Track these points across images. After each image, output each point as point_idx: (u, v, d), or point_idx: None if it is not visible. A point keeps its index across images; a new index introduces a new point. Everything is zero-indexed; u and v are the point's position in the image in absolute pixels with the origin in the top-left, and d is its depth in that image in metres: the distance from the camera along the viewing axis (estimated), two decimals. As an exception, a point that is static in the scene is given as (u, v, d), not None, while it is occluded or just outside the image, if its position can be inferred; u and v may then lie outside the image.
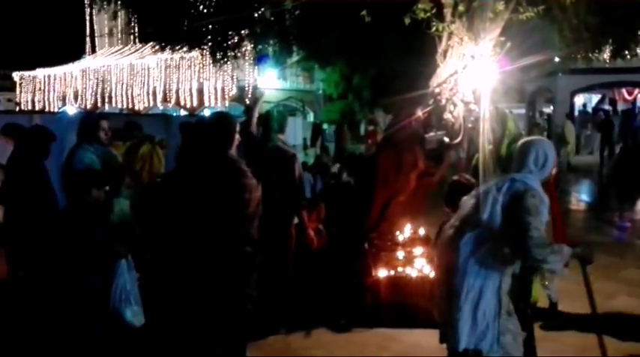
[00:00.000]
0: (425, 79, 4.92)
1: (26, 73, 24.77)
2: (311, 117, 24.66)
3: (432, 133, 4.67)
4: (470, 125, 4.42)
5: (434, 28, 4.53)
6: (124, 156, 5.53)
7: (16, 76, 24.85)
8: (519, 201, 2.40)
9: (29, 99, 24.60)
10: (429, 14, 4.42)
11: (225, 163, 3.08)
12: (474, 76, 4.45)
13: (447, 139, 4.53)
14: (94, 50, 25.97)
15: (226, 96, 20.53)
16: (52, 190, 5.93)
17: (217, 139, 3.09)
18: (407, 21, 4.47)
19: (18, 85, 24.93)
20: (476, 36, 4.46)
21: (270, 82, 22.41)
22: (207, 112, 19.76)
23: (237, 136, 3.18)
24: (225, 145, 3.11)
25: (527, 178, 2.48)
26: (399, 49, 5.88)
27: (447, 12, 4.55)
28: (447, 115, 4.55)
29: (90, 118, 4.32)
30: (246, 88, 20.77)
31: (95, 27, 25.50)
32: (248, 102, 20.90)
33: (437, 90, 4.64)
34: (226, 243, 2.96)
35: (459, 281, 2.47)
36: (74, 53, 25.20)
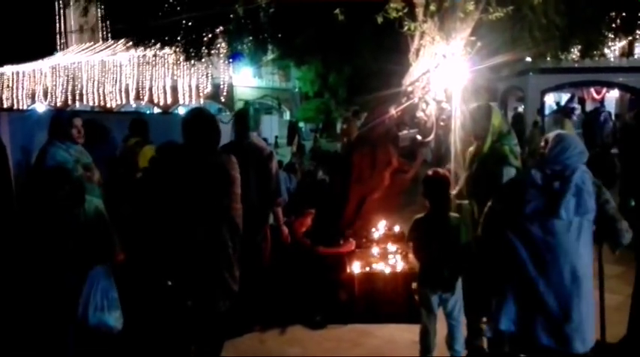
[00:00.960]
0: (398, 77, 4.97)
1: (-7, 70, 24.07)
2: (287, 115, 24.62)
3: (405, 131, 4.72)
4: (442, 123, 4.49)
5: (406, 28, 4.58)
6: (129, 151, 5.52)
7: (-18, 72, 24.11)
8: (602, 190, 2.62)
9: (-4, 96, 23.91)
10: (400, 13, 4.46)
11: (216, 158, 3.05)
12: (445, 75, 4.52)
13: (419, 137, 4.59)
14: (64, 47, 25.37)
15: (201, 94, 20.33)
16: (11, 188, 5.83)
17: (208, 135, 3.04)
18: (379, 20, 4.51)
19: (-16, 82, 24.19)
20: (447, 35, 4.52)
21: (246, 80, 22.28)
22: (181, 110, 19.54)
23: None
24: (216, 142, 3.09)
25: (587, 169, 2.65)
26: (372, 47, 5.93)
27: (419, 11, 4.61)
28: (419, 114, 4.61)
29: (62, 116, 4.20)
30: (221, 86, 20.61)
31: (66, 23, 24.91)
32: (223, 100, 20.78)
33: (409, 88, 4.70)
34: (213, 237, 2.91)
35: (582, 284, 2.52)
36: (44, 50, 24.56)
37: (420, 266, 3.20)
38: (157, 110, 20.11)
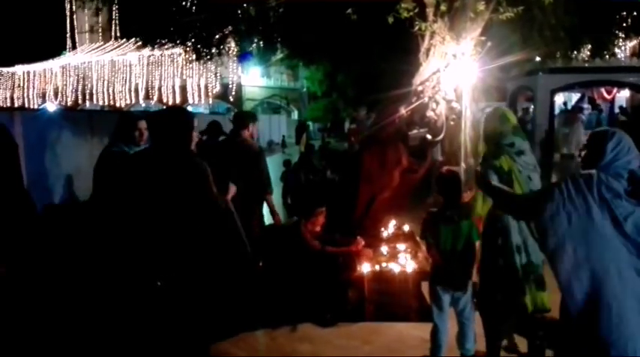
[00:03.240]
0: (408, 77, 4.99)
1: (4, 70, 24.29)
2: (295, 115, 24.68)
3: (414, 131, 4.74)
4: (452, 123, 4.51)
5: (417, 27, 4.60)
6: None
7: (-6, 72, 24.37)
8: None
9: (8, 96, 24.14)
10: (411, 14, 4.49)
11: (188, 164, 2.81)
12: (455, 75, 4.53)
13: (429, 137, 4.61)
14: (74, 46, 25.56)
15: (210, 93, 20.44)
16: (24, 188, 5.91)
17: (177, 136, 2.81)
18: (390, 20, 4.54)
19: (-4, 82, 24.45)
20: (457, 35, 4.54)
21: (254, 79, 22.36)
22: (189, 109, 19.64)
23: (195, 134, 2.94)
24: (187, 143, 2.86)
25: None
26: (382, 47, 5.95)
27: (430, 11, 4.63)
28: (429, 113, 4.63)
29: (127, 118, 4.08)
30: (230, 86, 20.70)
31: (76, 23, 25.10)
32: (232, 99, 20.88)
33: (420, 88, 4.72)
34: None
35: None
36: (54, 49, 24.77)
37: (431, 264, 3.21)
38: (165, 109, 20.23)
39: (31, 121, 8.02)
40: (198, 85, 20.38)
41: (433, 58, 4.77)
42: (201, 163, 2.85)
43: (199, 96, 20.52)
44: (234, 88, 20.82)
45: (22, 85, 23.76)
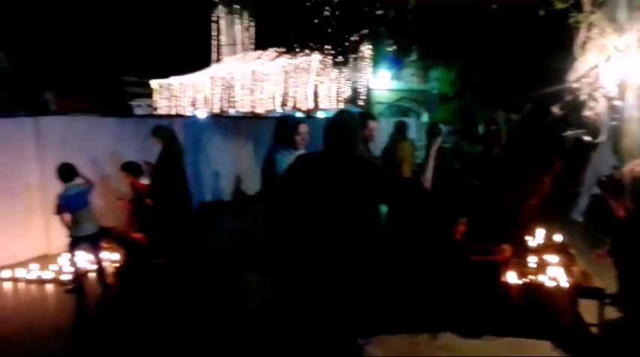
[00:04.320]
0: (555, 74, 4.64)
1: (163, 81, 27.34)
2: (425, 117, 24.21)
3: (569, 132, 4.36)
4: (615, 123, 4.08)
5: (572, 20, 4.27)
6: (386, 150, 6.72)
7: (154, 84, 27.55)
8: None
9: (164, 104, 27.12)
10: (566, 5, 4.19)
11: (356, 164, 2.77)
12: (618, 70, 4.10)
13: (587, 138, 4.21)
14: (219, 59, 27.87)
15: (340, 98, 20.91)
16: (188, 188, 6.61)
17: (350, 139, 2.80)
18: (541, 12, 4.27)
19: (155, 92, 27.63)
20: (619, 26, 4.13)
21: (383, 82, 22.39)
22: (320, 114, 20.26)
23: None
24: (357, 145, 2.85)
25: None
26: (526, 43, 5.60)
27: (586, 2, 4.28)
28: (587, 112, 4.24)
29: (288, 122, 4.07)
30: (359, 89, 20.98)
31: (221, 37, 27.30)
32: (362, 103, 21.13)
33: (575, 85, 4.35)
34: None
35: None
36: (202, 62, 27.24)
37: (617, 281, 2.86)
38: (299, 115, 21.14)
39: (188, 126, 8.93)
40: (330, 90, 20.96)
41: (590, 52, 4.37)
42: (372, 162, 2.94)
43: (330, 101, 21.08)
44: (364, 91, 21.07)
45: (176, 94, 26.58)
